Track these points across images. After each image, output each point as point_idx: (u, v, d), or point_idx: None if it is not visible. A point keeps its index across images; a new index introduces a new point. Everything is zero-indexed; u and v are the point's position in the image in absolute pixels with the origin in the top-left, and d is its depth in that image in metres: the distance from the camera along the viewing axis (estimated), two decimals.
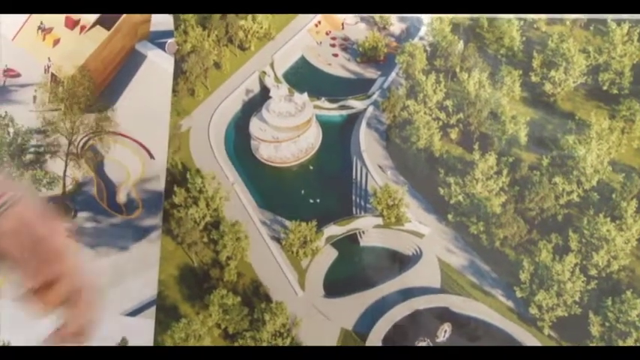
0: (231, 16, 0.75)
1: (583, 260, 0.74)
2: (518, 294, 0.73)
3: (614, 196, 0.83)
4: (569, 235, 0.77)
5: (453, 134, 0.85)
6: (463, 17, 0.76)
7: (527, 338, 0.71)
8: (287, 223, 0.83)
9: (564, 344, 0.69)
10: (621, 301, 0.70)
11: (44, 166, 0.79)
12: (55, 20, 0.74)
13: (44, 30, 0.75)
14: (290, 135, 0.88)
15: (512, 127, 0.87)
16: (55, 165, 0.78)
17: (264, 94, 0.86)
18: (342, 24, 0.89)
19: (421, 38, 0.85)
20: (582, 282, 0.70)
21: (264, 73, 0.89)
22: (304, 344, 0.74)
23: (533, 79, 0.84)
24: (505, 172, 0.82)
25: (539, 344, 0.70)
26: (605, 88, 0.80)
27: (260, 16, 0.78)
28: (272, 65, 0.87)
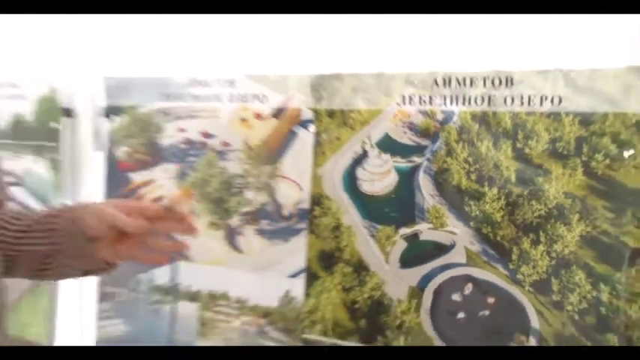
0: (346, 111, 1.54)
1: (548, 248, 1.46)
2: (511, 267, 1.45)
3: (565, 211, 1.60)
4: (539, 233, 1.50)
5: (473, 176, 1.64)
6: (478, 110, 1.49)
7: (515, 292, 1.45)
8: (378, 226, 1.68)
9: (539, 298, 1.38)
10: (570, 271, 1.43)
11: (244, 195, 1.65)
12: (248, 113, 1.55)
13: (244, 120, 1.58)
14: (380, 177, 1.72)
15: (506, 172, 1.66)
16: (248, 194, 1.65)
17: (364, 154, 1.70)
18: (409, 114, 1.71)
19: (454, 122, 1.66)
20: (547, 261, 1.41)
21: (364, 142, 1.72)
22: (388, 295, 1.50)
23: (519, 145, 1.62)
24: (503, 198, 1.59)
25: (523, 297, 1.39)
26: (559, 151, 1.52)
27: (363, 110, 1.57)
28: (369, 138, 1.70)
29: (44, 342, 1.22)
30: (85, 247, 0.80)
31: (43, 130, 1.25)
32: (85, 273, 0.86)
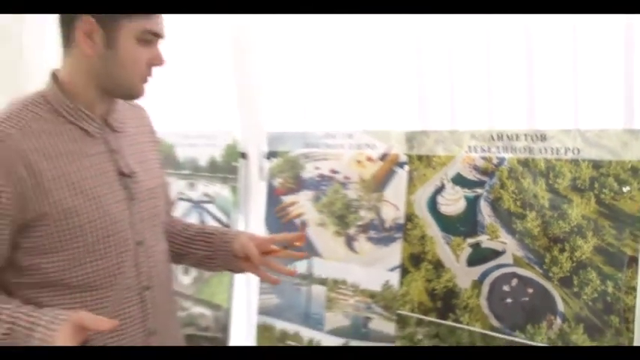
0: (430, 156, 1.73)
1: (570, 255, 1.53)
2: (544, 267, 1.55)
3: (582, 229, 1.69)
4: (564, 244, 1.60)
5: (518, 203, 1.79)
6: (522, 157, 1.62)
7: (547, 285, 1.52)
8: (452, 237, 1.87)
9: (564, 289, 1.45)
10: (586, 271, 1.47)
11: (358, 213, 1.91)
12: (362, 157, 1.78)
13: (359, 161, 1.81)
14: (453, 202, 1.93)
15: (541, 200, 1.76)
16: (362, 212, 1.90)
17: (442, 186, 1.94)
18: (473, 159, 1.91)
19: (505, 165, 1.85)
20: (570, 263, 1.49)
21: (443, 178, 1.97)
22: (458, 285, 1.65)
23: (550, 182, 1.74)
24: (539, 218, 1.71)
25: (553, 289, 1.47)
26: (578, 186, 1.61)
27: (442, 155, 1.75)
28: (446, 175, 1.93)
29: (225, 306, 1.84)
30: (231, 260, 1.34)
31: (227, 167, 1.88)
32: (233, 272, 1.41)
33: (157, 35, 1.10)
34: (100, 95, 1.10)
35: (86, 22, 1.04)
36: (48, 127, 1.06)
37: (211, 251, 1.32)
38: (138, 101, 1.19)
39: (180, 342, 1.34)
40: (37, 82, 1.12)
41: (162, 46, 1.11)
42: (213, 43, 1.83)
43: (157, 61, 1.10)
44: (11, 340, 1.01)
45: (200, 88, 1.94)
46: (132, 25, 1.06)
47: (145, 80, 1.11)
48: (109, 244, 1.10)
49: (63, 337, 0.97)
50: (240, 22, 1.71)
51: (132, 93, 1.13)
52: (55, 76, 1.11)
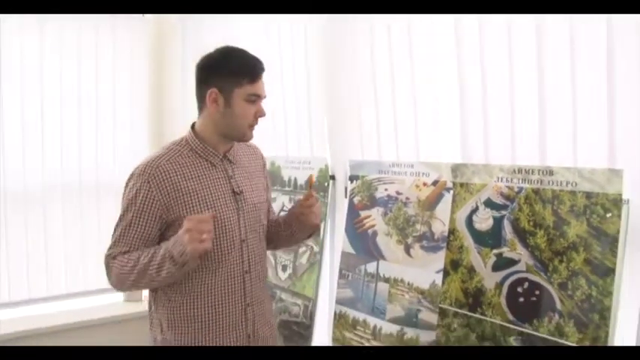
0: (469, 184, 1.86)
1: (567, 265, 1.54)
2: (548, 274, 1.51)
3: (577, 245, 1.70)
4: (563, 257, 1.61)
5: (531, 223, 1.83)
6: (535, 187, 1.70)
7: (550, 288, 1.47)
8: (482, 248, 1.98)
9: (561, 292, 1.44)
10: (577, 278, 1.46)
11: (415, 226, 2.10)
12: (420, 182, 1.98)
13: (417, 186, 1.97)
14: (484, 221, 2.08)
15: (548, 221, 1.74)
16: (417, 226, 2.10)
17: (477, 208, 2.09)
18: (500, 187, 2.06)
19: (523, 192, 1.90)
20: (567, 272, 1.50)
21: (477, 201, 2.13)
22: (485, 286, 1.72)
23: (554, 208, 1.73)
24: (545, 236, 1.66)
25: (554, 291, 1.45)
26: (575, 212, 1.61)
27: (477, 183, 1.86)
28: (480, 199, 2.11)
29: (312, 297, 2.49)
30: (296, 222, 1.92)
31: (321, 186, 2.55)
32: (302, 231, 1.98)
33: (259, 96, 1.75)
34: (221, 139, 1.78)
35: (212, 92, 1.71)
36: (187, 160, 1.75)
37: (291, 229, 1.97)
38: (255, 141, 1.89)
39: (269, 312, 1.94)
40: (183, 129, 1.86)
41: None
42: (312, 93, 2.55)
43: (260, 113, 1.76)
44: (153, 260, 1.63)
45: (302, 124, 2.65)
46: (241, 91, 1.70)
47: (252, 128, 1.77)
48: (222, 241, 1.75)
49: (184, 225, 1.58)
50: (330, 70, 2.40)
51: (243, 137, 1.79)
52: (193, 126, 1.82)
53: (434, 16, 2.01)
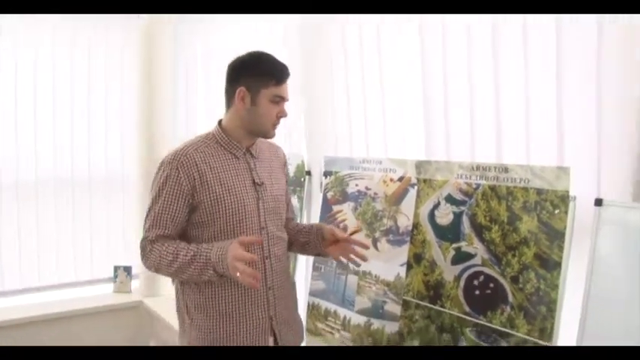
0: (432, 180, 1.88)
1: (519, 259, 1.54)
2: (502, 268, 1.44)
3: (528, 240, 1.70)
4: (516, 251, 1.59)
5: (487, 218, 1.74)
6: (491, 183, 1.70)
7: (503, 281, 1.45)
8: (443, 242, 1.92)
9: (513, 285, 1.42)
10: (528, 272, 1.44)
11: (382, 221, 2.14)
12: (387, 178, 1.98)
13: (384, 181, 1.99)
14: (445, 216, 2.09)
15: (502, 217, 1.62)
16: (384, 220, 2.12)
17: (439, 203, 2.10)
18: (460, 184, 2.03)
19: (480, 189, 1.89)
20: (518, 266, 1.43)
21: (439, 197, 2.14)
22: (445, 279, 1.68)
23: (508, 203, 1.66)
24: (500, 230, 1.70)
25: (506, 284, 1.43)
26: (527, 207, 1.53)
27: (440, 180, 1.88)
28: (441, 195, 2.12)
29: None
30: (319, 245, 2.01)
31: (297, 181, 2.63)
32: (320, 255, 2.10)
33: (283, 98, 1.87)
34: (246, 135, 1.89)
35: (241, 90, 1.83)
36: (212, 151, 1.87)
37: (308, 239, 2.06)
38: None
39: (290, 295, 2.02)
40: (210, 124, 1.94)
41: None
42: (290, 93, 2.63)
43: (283, 114, 1.88)
44: (203, 270, 1.71)
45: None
46: (267, 92, 1.83)
47: (275, 127, 1.89)
48: (242, 226, 1.85)
49: (233, 249, 1.67)
50: (307, 71, 2.48)
51: (267, 135, 1.90)
52: (220, 122, 1.93)
53: (401, 21, 2.09)
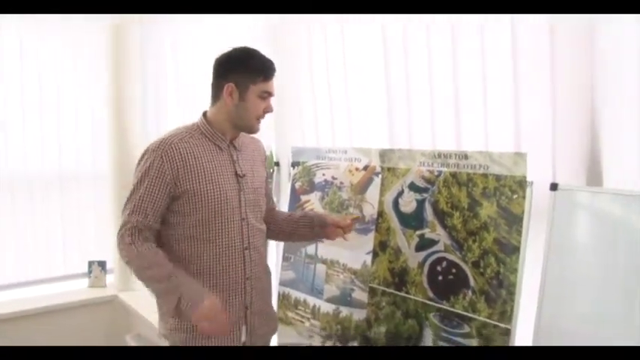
0: (396, 168, 1.90)
1: (479, 244, 1.58)
2: (463, 253, 1.40)
3: (487, 225, 1.71)
4: (476, 236, 1.61)
5: (449, 205, 1.55)
6: (452, 170, 1.73)
7: (465, 267, 1.39)
8: (407, 229, 1.80)
9: (474, 270, 1.42)
10: (488, 256, 1.45)
11: (348, 209, 2.16)
12: (352, 167, 2.03)
13: (350, 171, 2.06)
14: (408, 203, 2.10)
15: (463, 203, 1.41)
16: (350, 209, 2.19)
17: (402, 191, 2.12)
18: (422, 171, 2.04)
19: (442, 176, 1.85)
20: (479, 251, 1.40)
21: (403, 185, 2.17)
22: (409, 265, 1.64)
23: (469, 190, 1.60)
24: (461, 217, 1.59)
25: (468, 270, 1.44)
26: (487, 193, 1.50)
27: (403, 168, 1.89)
28: (405, 182, 2.14)
29: None
30: (320, 232, 2.08)
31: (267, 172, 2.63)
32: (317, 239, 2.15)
33: (270, 94, 1.88)
34: (230, 128, 1.89)
35: (229, 86, 1.83)
36: (196, 142, 1.87)
37: (310, 228, 2.09)
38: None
39: (266, 286, 2.04)
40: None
41: None
42: None
43: (269, 109, 1.89)
44: (169, 292, 1.73)
45: None
46: (256, 88, 1.84)
47: (259, 121, 1.89)
48: (223, 216, 1.86)
49: (211, 308, 1.71)
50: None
51: (252, 129, 1.91)
52: (205, 113, 1.93)
53: (365, 17, 2.10)
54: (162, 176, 1.81)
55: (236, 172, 1.90)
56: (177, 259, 1.86)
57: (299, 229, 2.11)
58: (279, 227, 2.11)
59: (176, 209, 1.85)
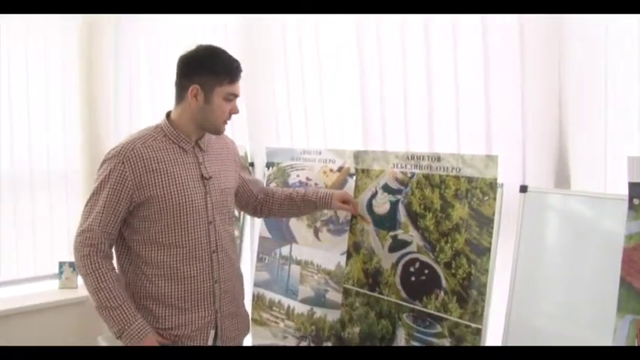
0: (370, 170, 1.96)
1: (451, 245, 1.58)
2: (436, 254, 1.45)
3: (459, 226, 1.75)
4: (448, 238, 1.62)
5: (422, 206, 1.61)
6: (425, 172, 1.76)
7: (437, 268, 1.34)
8: (380, 230, 1.70)
9: (446, 271, 1.44)
10: (460, 257, 1.46)
11: (323, 211, 2.37)
12: (327, 168, 2.07)
13: (325, 172, 2.02)
14: (382, 205, 2.11)
15: (436, 204, 1.58)
16: (324, 210, 2.27)
17: (376, 192, 2.13)
18: (396, 173, 2.06)
19: (415, 178, 1.82)
20: (451, 252, 1.38)
21: (376, 186, 2.18)
22: (383, 266, 1.59)
23: (441, 192, 1.55)
24: (433, 218, 1.50)
25: (440, 270, 1.45)
26: (458, 195, 1.49)
27: (377, 169, 1.92)
28: (378, 184, 2.16)
29: None
30: (329, 205, 2.11)
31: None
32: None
33: (236, 95, 1.84)
34: (195, 129, 1.85)
35: (194, 88, 1.78)
36: (160, 145, 1.82)
37: (315, 206, 2.12)
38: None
39: (237, 288, 2.00)
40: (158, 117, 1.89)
41: None
42: None
43: (235, 111, 1.85)
44: (111, 320, 1.75)
45: None
46: (221, 90, 1.79)
47: (226, 123, 1.86)
48: (189, 220, 1.83)
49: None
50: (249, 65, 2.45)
51: (218, 131, 1.87)
52: (168, 115, 1.88)
53: (339, 18, 2.10)
54: (123, 183, 1.77)
55: (202, 174, 1.86)
56: (144, 264, 1.83)
57: (303, 209, 2.15)
58: (279, 208, 2.15)
59: (141, 214, 1.80)
